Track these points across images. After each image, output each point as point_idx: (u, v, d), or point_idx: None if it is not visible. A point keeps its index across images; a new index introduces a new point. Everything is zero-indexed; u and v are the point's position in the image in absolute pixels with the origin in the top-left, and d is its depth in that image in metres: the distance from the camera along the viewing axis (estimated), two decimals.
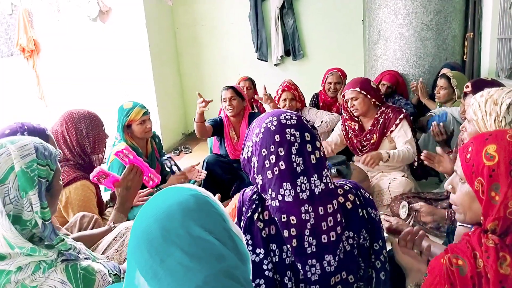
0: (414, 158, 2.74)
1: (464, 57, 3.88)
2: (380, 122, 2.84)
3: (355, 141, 2.99)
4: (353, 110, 2.87)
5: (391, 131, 2.81)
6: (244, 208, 1.19)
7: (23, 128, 1.69)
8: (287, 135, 1.12)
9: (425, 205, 1.92)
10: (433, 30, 3.75)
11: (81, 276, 1.06)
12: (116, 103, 3.73)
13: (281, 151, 1.11)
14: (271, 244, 1.14)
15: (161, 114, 5.18)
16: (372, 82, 2.88)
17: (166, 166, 2.76)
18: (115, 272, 1.20)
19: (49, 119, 4.42)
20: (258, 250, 1.13)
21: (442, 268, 1.01)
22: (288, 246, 1.12)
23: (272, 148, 1.12)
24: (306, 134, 1.14)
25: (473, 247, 0.99)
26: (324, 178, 1.12)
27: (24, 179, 1.00)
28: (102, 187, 2.35)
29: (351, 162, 3.09)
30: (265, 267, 1.12)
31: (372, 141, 2.88)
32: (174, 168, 2.80)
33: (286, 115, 1.16)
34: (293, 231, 1.10)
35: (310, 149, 1.12)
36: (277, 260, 1.13)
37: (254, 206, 1.15)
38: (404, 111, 2.85)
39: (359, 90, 2.79)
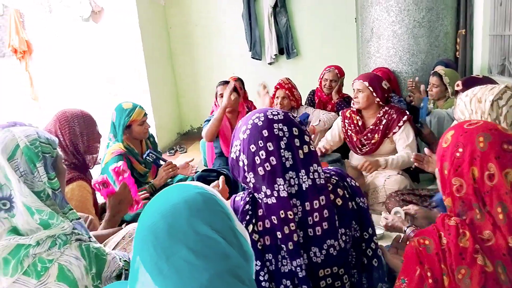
0: (413, 163, 2.75)
1: (457, 53, 3.91)
2: (383, 123, 2.82)
3: (354, 139, 2.96)
4: (354, 100, 2.89)
5: (394, 133, 2.80)
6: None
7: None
8: (275, 130, 1.12)
9: (419, 209, 1.89)
10: (426, 27, 3.77)
11: (94, 255, 1.13)
12: (110, 103, 3.72)
13: (270, 146, 1.11)
14: (266, 254, 1.14)
15: (155, 114, 5.17)
16: (384, 82, 2.85)
17: (148, 161, 2.74)
18: (125, 259, 1.24)
19: (43, 120, 4.40)
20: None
21: (412, 250, 1.10)
22: (283, 253, 1.12)
23: (261, 143, 1.12)
24: (294, 128, 1.14)
25: (438, 228, 1.10)
26: (311, 173, 1.12)
27: (30, 153, 1.10)
28: None
29: (345, 160, 3.11)
30: (261, 278, 1.13)
31: (373, 141, 2.87)
32: (161, 162, 2.78)
33: (273, 111, 1.17)
34: (292, 226, 1.10)
35: (298, 144, 1.13)
36: (273, 269, 1.13)
37: (248, 217, 1.13)
38: (408, 113, 2.83)
39: (366, 85, 2.79)
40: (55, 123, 2.08)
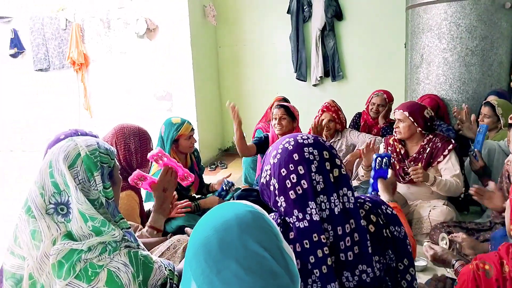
0: (460, 192, 2.64)
1: (511, 84, 3.78)
2: (427, 151, 2.75)
3: (397, 167, 2.89)
4: (396, 130, 2.84)
5: (438, 162, 2.72)
6: None
7: (76, 134, 1.76)
8: (305, 153, 1.12)
9: (466, 238, 1.84)
10: (478, 56, 3.68)
11: (141, 262, 1.16)
12: (158, 117, 3.85)
13: (301, 170, 1.10)
14: None
15: (200, 130, 5.29)
16: (426, 111, 2.76)
17: (224, 184, 2.82)
18: (170, 268, 1.27)
19: (92, 128, 4.62)
20: None
21: (469, 273, 1.07)
22: (314, 278, 1.08)
23: (292, 167, 1.11)
24: (324, 152, 1.13)
25: (501, 256, 1.08)
26: (341, 197, 1.11)
27: (89, 162, 1.15)
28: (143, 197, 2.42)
29: None
30: None
31: None
32: (223, 193, 2.83)
33: (303, 135, 1.17)
34: (326, 250, 1.07)
35: (328, 168, 1.12)
36: None
37: None
38: (453, 141, 2.74)
39: (407, 115, 2.73)
40: (112, 138, 2.17)
